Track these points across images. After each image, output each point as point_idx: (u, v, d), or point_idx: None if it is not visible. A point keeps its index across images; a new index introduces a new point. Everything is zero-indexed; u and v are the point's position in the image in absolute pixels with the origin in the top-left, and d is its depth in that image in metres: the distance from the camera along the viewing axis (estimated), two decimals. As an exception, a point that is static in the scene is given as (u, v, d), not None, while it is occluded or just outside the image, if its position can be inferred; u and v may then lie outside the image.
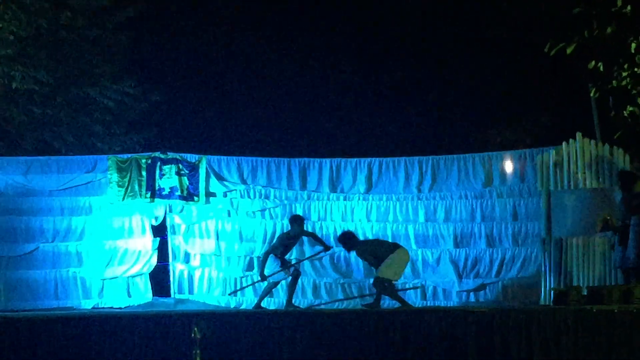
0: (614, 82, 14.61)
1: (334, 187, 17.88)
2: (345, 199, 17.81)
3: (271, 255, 15.96)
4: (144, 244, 17.42)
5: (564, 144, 16.42)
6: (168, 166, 17.43)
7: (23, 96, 21.26)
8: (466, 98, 26.84)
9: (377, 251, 15.25)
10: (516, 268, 17.30)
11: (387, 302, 15.93)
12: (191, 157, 17.67)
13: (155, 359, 11.48)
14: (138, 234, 17.44)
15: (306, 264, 17.49)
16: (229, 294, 17.25)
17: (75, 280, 17.25)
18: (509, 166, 17.53)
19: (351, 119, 27.67)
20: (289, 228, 16.21)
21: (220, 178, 17.68)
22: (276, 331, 12.02)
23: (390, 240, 17.06)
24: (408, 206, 17.77)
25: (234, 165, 17.87)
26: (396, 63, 27.56)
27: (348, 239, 15.58)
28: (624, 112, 14.87)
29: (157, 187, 17.33)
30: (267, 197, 17.76)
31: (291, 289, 16.16)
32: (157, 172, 17.36)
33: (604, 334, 11.60)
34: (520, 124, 26.46)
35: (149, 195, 17.29)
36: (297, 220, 16.07)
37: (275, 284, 16.40)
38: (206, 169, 17.54)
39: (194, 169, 17.49)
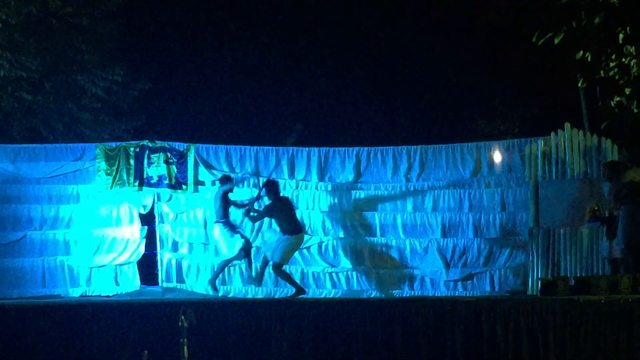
0: (601, 72, 14.65)
1: (322, 176, 17.86)
2: (333, 188, 17.80)
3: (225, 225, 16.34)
4: (132, 232, 17.39)
5: (552, 134, 16.44)
6: (156, 155, 17.40)
7: (12, 83, 21.20)
8: (455, 88, 26.87)
9: (286, 222, 15.86)
10: (504, 258, 17.32)
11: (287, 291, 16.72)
12: (180, 146, 17.64)
13: (142, 347, 11.47)
14: (126, 223, 17.41)
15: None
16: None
17: (63, 269, 17.22)
18: (497, 156, 17.53)
19: (340, 108, 27.67)
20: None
21: (209, 166, 17.66)
22: (263, 320, 12.05)
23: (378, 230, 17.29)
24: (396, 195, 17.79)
25: (223, 153, 17.82)
26: (385, 52, 27.55)
27: (272, 185, 16.09)
28: (612, 102, 14.91)
29: (145, 176, 17.31)
30: (255, 186, 17.74)
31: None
32: (146, 160, 17.34)
33: (591, 324, 11.65)
34: (508, 114, 26.53)
35: (137, 183, 17.27)
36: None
37: (228, 262, 16.53)
38: (195, 157, 17.52)
39: (182, 157, 17.47)
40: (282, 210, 15.90)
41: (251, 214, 16.25)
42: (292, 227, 15.89)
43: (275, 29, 27.64)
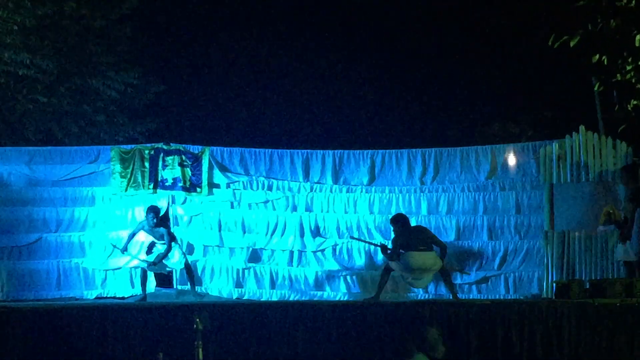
0: (618, 75, 14.60)
1: (336, 179, 17.86)
2: (348, 191, 17.80)
3: None
4: (147, 235, 17.42)
5: (567, 137, 16.42)
6: (171, 157, 17.43)
7: (27, 85, 21.26)
8: (470, 91, 26.85)
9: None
10: (518, 261, 17.30)
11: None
12: (194, 148, 17.67)
13: (158, 350, 11.50)
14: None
15: (309, 255, 17.53)
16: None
17: (78, 271, 17.26)
18: (511, 159, 17.51)
19: (355, 111, 27.68)
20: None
21: (224, 169, 17.68)
22: (278, 322, 12.06)
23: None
24: (411, 198, 17.76)
25: (237, 156, 17.85)
26: (400, 56, 27.56)
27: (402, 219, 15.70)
28: (628, 105, 14.86)
29: (160, 178, 17.34)
30: (269, 188, 17.75)
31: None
32: (160, 163, 17.37)
33: (605, 327, 11.64)
34: (523, 117, 26.47)
35: (151, 186, 17.30)
36: None
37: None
38: (209, 160, 17.54)
39: (197, 160, 17.49)
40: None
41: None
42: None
43: (290, 32, 27.67)
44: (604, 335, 11.65)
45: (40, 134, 22.07)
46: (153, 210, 16.49)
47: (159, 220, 16.58)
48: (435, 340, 10.35)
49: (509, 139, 23.46)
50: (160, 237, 16.57)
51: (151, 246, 16.59)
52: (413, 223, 17.51)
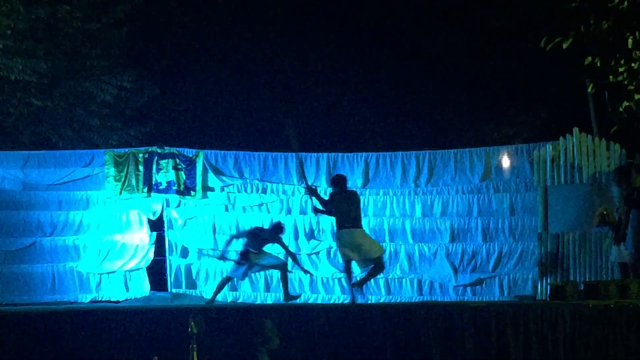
0: (610, 77, 14.61)
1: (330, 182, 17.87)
2: (342, 194, 17.79)
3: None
4: (141, 238, 17.44)
5: (560, 138, 16.44)
6: (165, 160, 17.44)
7: (21, 89, 21.24)
8: (463, 93, 26.84)
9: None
10: (513, 262, 17.33)
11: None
12: (188, 152, 17.68)
13: (152, 353, 11.49)
14: (135, 228, 17.46)
15: (303, 258, 17.53)
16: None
17: (73, 274, 17.27)
18: (505, 161, 17.53)
19: (348, 113, 27.67)
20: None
21: (218, 172, 17.68)
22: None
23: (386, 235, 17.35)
24: (405, 201, 17.78)
25: (231, 159, 17.85)
26: (394, 58, 27.55)
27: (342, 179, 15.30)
28: (620, 107, 14.88)
29: (154, 182, 17.35)
30: (264, 191, 17.76)
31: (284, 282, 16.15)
32: (154, 166, 17.37)
33: (600, 329, 11.64)
34: (517, 119, 26.48)
35: (146, 189, 17.31)
36: (279, 228, 16.07)
37: (229, 278, 16.37)
38: (203, 163, 17.55)
39: (191, 163, 17.50)
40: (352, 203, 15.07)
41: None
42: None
43: (283, 35, 27.64)
44: (599, 337, 11.65)
45: (35, 138, 22.05)
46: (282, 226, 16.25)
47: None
48: (271, 332, 10.51)
49: (503, 140, 23.50)
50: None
51: (245, 253, 16.04)
52: (407, 226, 17.60)
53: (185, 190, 17.44)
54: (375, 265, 14.95)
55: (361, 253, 14.77)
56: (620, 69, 14.43)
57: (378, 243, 15.48)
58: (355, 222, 14.86)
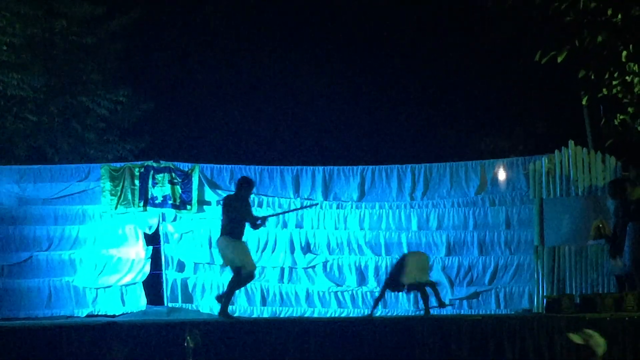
0: (604, 90, 14.67)
1: (327, 195, 17.88)
2: (338, 207, 17.81)
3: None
4: (137, 252, 17.42)
5: (556, 151, 16.46)
6: (161, 175, 17.43)
7: (17, 103, 21.27)
8: (459, 106, 26.90)
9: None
10: (509, 276, 17.32)
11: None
12: (184, 166, 17.68)
13: (149, 368, 11.51)
14: (131, 243, 17.44)
15: (300, 272, 17.54)
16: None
17: (69, 289, 17.24)
18: (501, 174, 17.55)
19: (344, 127, 27.71)
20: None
21: (214, 186, 17.68)
22: (269, 340, 12.05)
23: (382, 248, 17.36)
24: (401, 214, 17.78)
25: (227, 173, 17.86)
26: (390, 71, 27.61)
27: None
28: (615, 120, 14.93)
29: (150, 196, 17.33)
30: (260, 205, 17.75)
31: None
32: (150, 180, 17.37)
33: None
34: (512, 132, 26.54)
35: (141, 204, 17.29)
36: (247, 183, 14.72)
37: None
38: (199, 177, 17.55)
39: (187, 177, 17.50)
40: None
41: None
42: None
43: (278, 49, 27.71)
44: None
45: (31, 153, 22.06)
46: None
47: None
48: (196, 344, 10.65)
49: (499, 153, 23.53)
50: None
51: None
52: (403, 239, 17.58)
53: (182, 204, 17.43)
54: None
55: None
56: (615, 82, 14.49)
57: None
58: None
